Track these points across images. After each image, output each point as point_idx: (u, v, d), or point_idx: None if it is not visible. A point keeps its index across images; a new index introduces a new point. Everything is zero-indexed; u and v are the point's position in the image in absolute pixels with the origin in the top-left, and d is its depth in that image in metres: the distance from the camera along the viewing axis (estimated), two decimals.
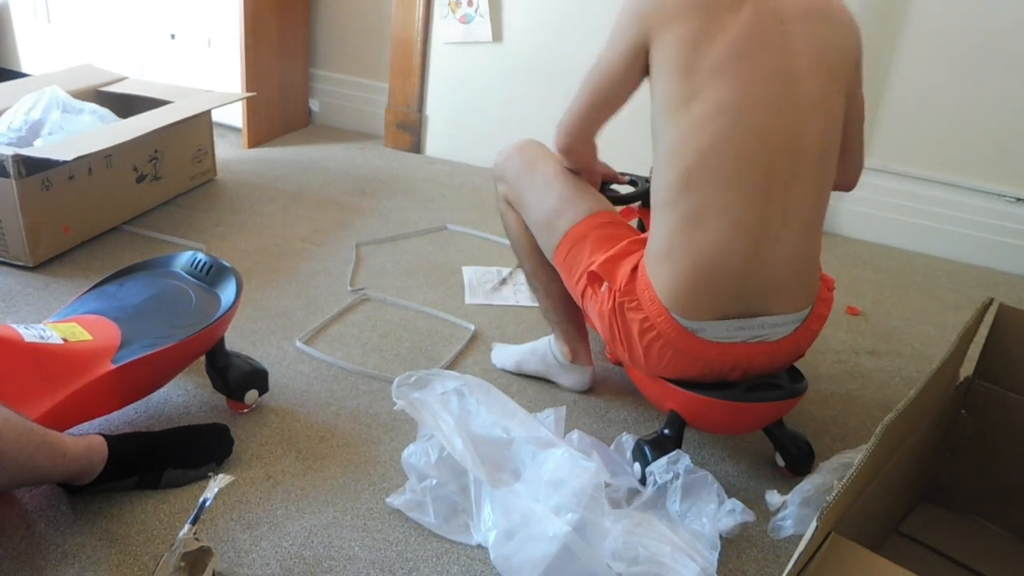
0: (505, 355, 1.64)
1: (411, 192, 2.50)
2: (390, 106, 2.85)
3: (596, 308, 1.31)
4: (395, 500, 1.23)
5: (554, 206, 1.38)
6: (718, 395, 1.26)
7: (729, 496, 1.25)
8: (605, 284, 1.28)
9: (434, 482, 1.21)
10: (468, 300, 1.90)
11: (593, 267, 1.29)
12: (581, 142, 1.35)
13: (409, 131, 2.85)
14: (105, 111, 2.10)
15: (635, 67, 1.23)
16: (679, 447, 1.31)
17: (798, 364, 1.37)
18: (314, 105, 3.04)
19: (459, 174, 2.71)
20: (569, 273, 1.37)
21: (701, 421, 1.33)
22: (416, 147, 2.86)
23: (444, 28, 2.67)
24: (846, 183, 1.38)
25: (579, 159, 1.39)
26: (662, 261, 1.22)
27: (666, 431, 1.33)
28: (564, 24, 2.54)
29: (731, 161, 1.17)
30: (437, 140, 2.84)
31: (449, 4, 2.63)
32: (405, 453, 1.25)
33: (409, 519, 1.22)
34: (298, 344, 1.63)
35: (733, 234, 1.18)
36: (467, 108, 2.76)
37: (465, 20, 2.63)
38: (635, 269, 1.26)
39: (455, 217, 2.34)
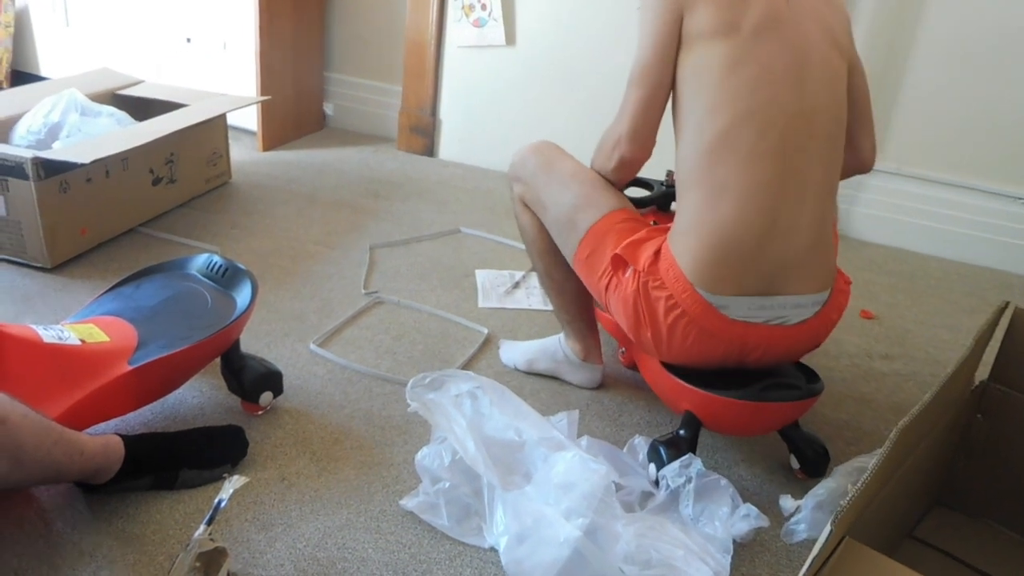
0: (515, 353, 1.65)
1: (424, 195, 2.51)
2: (403, 109, 2.86)
3: (620, 295, 1.30)
4: (408, 502, 1.24)
5: (574, 203, 1.38)
6: (734, 395, 1.26)
7: (743, 500, 1.25)
8: (630, 268, 1.29)
9: (447, 485, 1.22)
10: (481, 303, 1.90)
11: (617, 250, 1.30)
12: (647, 142, 1.32)
13: (422, 134, 2.86)
14: (122, 114, 2.12)
15: (675, 37, 1.26)
16: (694, 448, 1.31)
17: (812, 367, 1.37)
18: (328, 108, 3.06)
19: (472, 177, 2.72)
20: (591, 270, 1.37)
21: (717, 422, 1.33)
22: (429, 150, 2.87)
23: (457, 32, 2.68)
24: (862, 162, 1.38)
25: (638, 167, 1.36)
26: (686, 236, 1.24)
27: (681, 432, 1.32)
28: (577, 28, 2.55)
29: (754, 132, 1.21)
30: (450, 143, 2.85)
31: (462, 8, 2.64)
32: (419, 455, 1.25)
33: (422, 521, 1.22)
34: (312, 346, 1.64)
35: (754, 204, 1.21)
36: (480, 111, 2.77)
37: (478, 24, 2.64)
38: (658, 252, 1.27)
39: (468, 220, 2.35)
